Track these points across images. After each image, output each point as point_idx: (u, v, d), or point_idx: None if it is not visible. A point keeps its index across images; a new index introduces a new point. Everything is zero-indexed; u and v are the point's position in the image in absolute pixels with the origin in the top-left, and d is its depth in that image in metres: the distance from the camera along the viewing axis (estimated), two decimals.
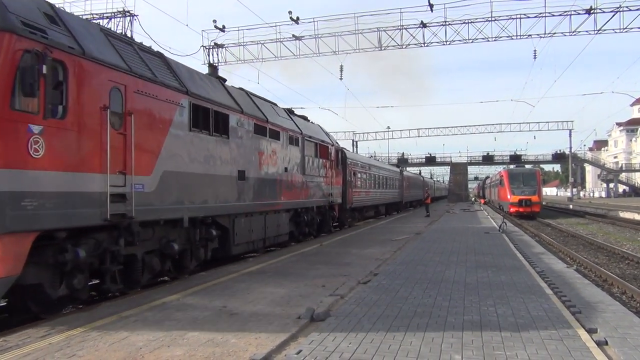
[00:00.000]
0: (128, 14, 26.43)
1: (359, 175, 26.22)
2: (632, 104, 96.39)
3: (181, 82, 9.99)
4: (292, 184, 15.58)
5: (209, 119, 10.74)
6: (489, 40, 26.38)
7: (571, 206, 52.53)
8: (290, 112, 17.52)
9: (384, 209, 35.56)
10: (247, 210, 12.50)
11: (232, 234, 11.81)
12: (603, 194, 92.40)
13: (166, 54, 10.87)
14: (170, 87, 9.44)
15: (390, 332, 5.90)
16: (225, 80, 13.35)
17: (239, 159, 12.01)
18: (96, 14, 25.39)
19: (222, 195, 11.19)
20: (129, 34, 19.93)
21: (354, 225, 25.33)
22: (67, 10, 9.40)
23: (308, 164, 17.15)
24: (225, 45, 28.85)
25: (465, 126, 75.34)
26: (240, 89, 14.12)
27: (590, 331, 5.88)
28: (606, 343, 5.49)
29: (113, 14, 26.37)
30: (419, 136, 74.54)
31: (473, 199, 79.99)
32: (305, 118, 19.36)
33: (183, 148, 9.68)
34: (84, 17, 21.12)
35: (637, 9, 23.84)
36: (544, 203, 46.41)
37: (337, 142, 22.16)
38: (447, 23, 26.13)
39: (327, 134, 20.95)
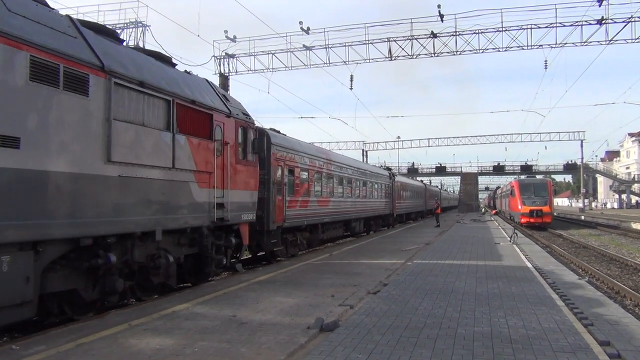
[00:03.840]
0: (140, 24, 26.82)
1: (302, 173, 17.30)
2: None
3: None
4: (56, 187, 6.62)
5: None
6: (499, 51, 26.40)
7: (583, 217, 52.04)
8: (97, 29, 8.26)
9: (362, 224, 26.28)
10: None
11: None
12: (615, 205, 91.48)
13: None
14: None
15: (400, 343, 5.87)
16: None
17: None
18: (109, 25, 25.78)
19: None
20: (141, 44, 20.10)
21: (298, 255, 16.47)
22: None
23: (133, 141, 8.10)
24: (236, 55, 29.13)
25: (476, 136, 75.11)
26: None
27: (603, 344, 5.81)
28: (619, 356, 5.42)
29: (126, 25, 26.76)
30: (429, 146, 74.60)
31: (484, 209, 79.33)
32: (167, 61, 10.15)
33: None
34: None
35: None
36: (555, 214, 46.02)
37: (249, 116, 12.76)
38: (457, 33, 26.21)
39: (222, 95, 11.86)
